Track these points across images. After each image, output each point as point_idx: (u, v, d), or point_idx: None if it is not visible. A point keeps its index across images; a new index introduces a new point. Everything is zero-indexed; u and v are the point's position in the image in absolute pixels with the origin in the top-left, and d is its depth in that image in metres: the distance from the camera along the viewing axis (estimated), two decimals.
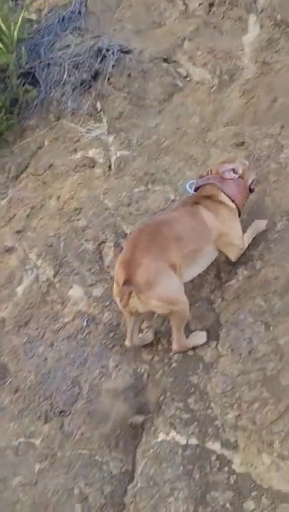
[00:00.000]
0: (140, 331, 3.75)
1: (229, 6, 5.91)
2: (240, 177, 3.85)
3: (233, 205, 3.76)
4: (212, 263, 3.87)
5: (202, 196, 3.75)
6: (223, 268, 4.05)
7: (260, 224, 4.02)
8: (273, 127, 4.84)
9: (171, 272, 3.34)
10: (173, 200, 4.54)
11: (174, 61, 5.67)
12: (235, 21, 5.84)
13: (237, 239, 3.76)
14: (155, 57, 5.64)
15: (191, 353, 3.64)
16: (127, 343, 3.68)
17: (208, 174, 3.87)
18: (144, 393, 3.60)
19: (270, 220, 4.10)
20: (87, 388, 3.75)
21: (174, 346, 3.54)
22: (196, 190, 3.83)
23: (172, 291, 3.36)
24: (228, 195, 3.74)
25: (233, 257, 3.84)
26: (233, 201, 3.76)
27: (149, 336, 3.77)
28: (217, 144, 4.85)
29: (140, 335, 3.75)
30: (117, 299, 3.34)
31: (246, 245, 3.87)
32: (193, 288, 3.91)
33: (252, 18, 5.85)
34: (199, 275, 3.83)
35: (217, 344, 3.61)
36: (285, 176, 4.48)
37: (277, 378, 3.32)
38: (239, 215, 3.84)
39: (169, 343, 3.69)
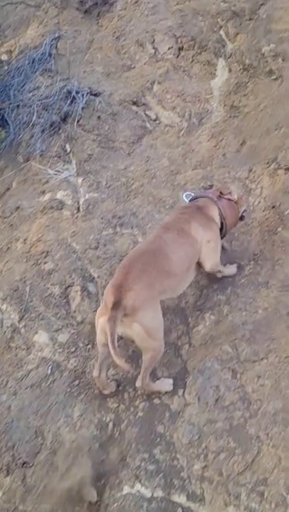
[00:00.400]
0: (107, 370, 3.69)
1: (198, 50, 5.99)
2: (235, 202, 4.08)
3: (218, 225, 3.95)
4: (180, 306, 3.86)
5: (196, 208, 3.96)
6: (190, 313, 4.02)
7: (233, 269, 4.14)
8: (242, 170, 4.88)
9: (158, 305, 3.46)
10: None
11: (144, 104, 5.70)
12: (204, 65, 5.92)
13: (216, 252, 3.91)
14: (125, 99, 5.66)
15: (157, 401, 3.58)
16: (95, 373, 3.62)
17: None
18: (109, 444, 3.50)
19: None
20: (51, 438, 3.63)
21: (138, 383, 3.51)
22: (191, 200, 4.11)
23: (155, 323, 3.43)
24: (220, 211, 3.95)
25: (208, 268, 3.90)
26: (223, 219, 3.96)
27: (112, 385, 3.72)
28: (186, 188, 4.85)
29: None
30: (101, 320, 3.38)
31: (220, 269, 4.02)
32: None
33: (221, 63, 5.95)
34: (167, 318, 3.80)
35: (184, 392, 3.57)
36: (252, 219, 4.49)
37: (244, 427, 3.28)
38: (225, 236, 4.07)
39: (136, 391, 3.63)
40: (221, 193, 4.06)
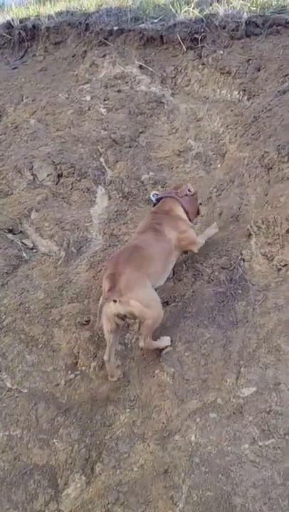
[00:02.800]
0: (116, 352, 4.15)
1: (78, 178, 5.93)
2: (193, 195, 4.83)
3: (186, 217, 4.68)
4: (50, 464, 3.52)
5: (163, 211, 4.64)
6: (60, 472, 3.62)
7: (213, 229, 4.96)
8: None
9: (148, 281, 4.01)
10: (9, 389, 4.13)
11: (20, 232, 5.47)
12: (83, 192, 5.84)
13: (193, 239, 4.62)
14: (0, 227, 5.40)
15: None
16: (105, 357, 4.04)
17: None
18: None
19: None
20: None
21: (141, 344, 4.03)
22: (157, 200, 4.80)
23: (148, 295, 3.98)
24: (183, 207, 4.68)
25: (195, 250, 4.68)
26: (186, 213, 4.69)
27: (118, 372, 4.13)
28: (61, 323, 4.57)
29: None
30: (103, 307, 3.87)
31: (203, 242, 4.78)
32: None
33: (100, 190, 5.91)
34: (33, 481, 3.43)
35: None
36: (129, 359, 4.24)
37: None
38: None
39: None
40: (180, 191, 4.76)
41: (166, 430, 3.67)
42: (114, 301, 3.82)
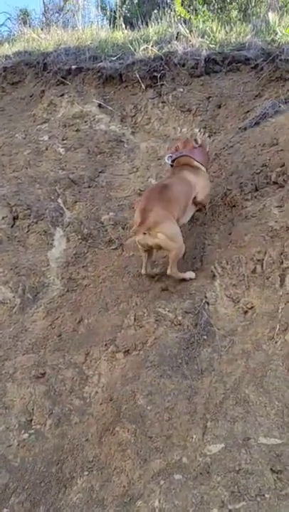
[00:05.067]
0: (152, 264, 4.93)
1: (34, 220, 5.66)
2: (200, 146, 5.23)
3: (203, 167, 5.17)
4: None
5: (182, 165, 5.10)
6: None
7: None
8: (78, 354, 4.40)
9: (173, 219, 4.62)
10: None
11: None
12: (40, 235, 5.57)
13: (207, 189, 5.14)
14: None
15: None
16: (143, 271, 4.88)
17: (176, 150, 5.24)
18: None
19: None
20: None
21: (169, 271, 4.67)
22: (173, 161, 5.18)
23: (173, 230, 4.58)
24: (197, 161, 5.10)
25: (200, 198, 5.05)
26: (201, 164, 5.14)
27: (153, 272, 4.94)
28: (15, 377, 4.26)
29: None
30: (136, 238, 4.63)
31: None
32: None
33: (58, 232, 5.64)
34: None
35: None
36: (88, 415, 3.93)
37: None
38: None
39: None
40: (190, 146, 5.18)
41: (128, 495, 3.34)
42: (144, 233, 4.48)
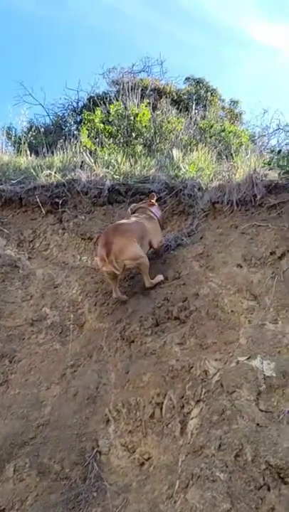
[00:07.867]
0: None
1: None
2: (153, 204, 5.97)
3: (156, 219, 5.79)
4: None
5: (140, 212, 5.80)
6: None
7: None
8: None
9: (134, 239, 5.11)
10: None
11: None
12: None
13: (159, 236, 5.72)
14: None
15: None
16: (114, 295, 5.31)
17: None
18: None
19: None
20: None
21: (147, 284, 5.31)
22: (133, 212, 5.86)
23: (135, 251, 5.07)
24: (152, 212, 5.80)
25: (156, 245, 5.63)
26: (156, 216, 5.81)
27: (124, 297, 5.36)
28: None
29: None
30: (103, 268, 5.04)
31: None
32: None
33: None
34: None
35: None
36: None
37: None
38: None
39: None
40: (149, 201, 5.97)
41: None
42: (110, 263, 4.87)
